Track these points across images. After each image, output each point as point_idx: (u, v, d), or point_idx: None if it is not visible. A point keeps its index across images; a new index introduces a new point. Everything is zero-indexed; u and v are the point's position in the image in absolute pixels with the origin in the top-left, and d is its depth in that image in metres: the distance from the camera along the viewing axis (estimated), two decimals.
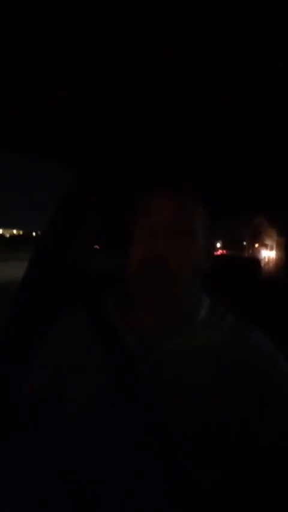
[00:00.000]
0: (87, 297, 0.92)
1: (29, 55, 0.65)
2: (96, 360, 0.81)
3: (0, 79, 0.72)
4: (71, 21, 0.56)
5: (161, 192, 0.82)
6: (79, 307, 0.90)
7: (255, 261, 1.78)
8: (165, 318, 0.81)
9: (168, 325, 0.81)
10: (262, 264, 1.82)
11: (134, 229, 0.83)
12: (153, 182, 0.85)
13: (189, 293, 0.82)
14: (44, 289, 1.33)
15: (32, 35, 0.59)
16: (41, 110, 0.80)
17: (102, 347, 0.82)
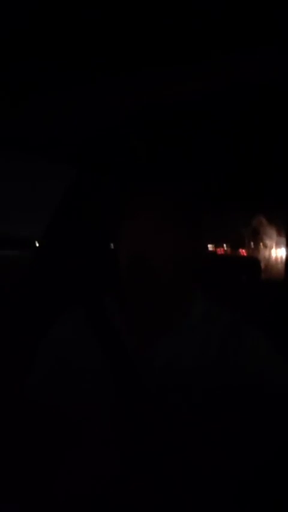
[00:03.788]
0: (86, 297, 0.92)
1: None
2: (95, 360, 0.81)
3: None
4: (74, 24, 0.57)
5: (147, 191, 0.81)
6: (78, 308, 0.90)
7: (255, 262, 1.78)
8: (161, 317, 0.81)
9: (165, 324, 0.81)
10: (262, 265, 1.82)
11: (120, 229, 0.82)
12: (141, 182, 0.84)
13: (182, 292, 0.82)
14: (43, 290, 1.33)
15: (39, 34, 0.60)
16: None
17: (101, 347, 0.82)
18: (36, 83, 0.82)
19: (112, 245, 0.86)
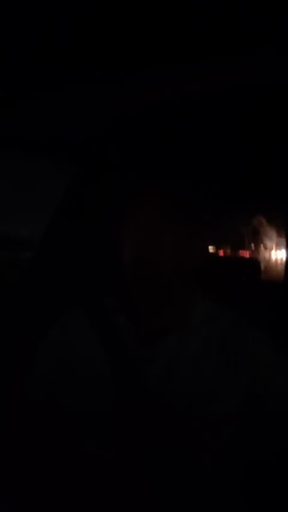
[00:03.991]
0: (86, 297, 0.92)
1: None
2: (96, 360, 0.81)
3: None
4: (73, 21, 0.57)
5: (147, 191, 0.81)
6: (78, 308, 0.90)
7: (255, 262, 1.78)
8: (161, 317, 0.81)
9: (165, 324, 0.81)
10: (262, 265, 1.83)
11: (120, 229, 0.82)
12: (141, 182, 0.84)
13: (182, 292, 0.82)
14: (43, 290, 1.33)
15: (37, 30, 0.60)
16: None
17: (101, 348, 0.82)
18: (36, 83, 0.82)
19: (112, 245, 0.86)
